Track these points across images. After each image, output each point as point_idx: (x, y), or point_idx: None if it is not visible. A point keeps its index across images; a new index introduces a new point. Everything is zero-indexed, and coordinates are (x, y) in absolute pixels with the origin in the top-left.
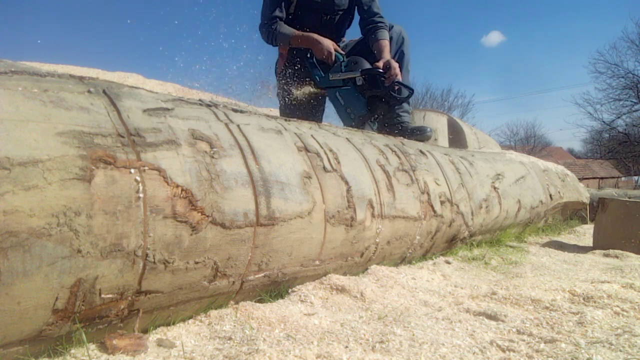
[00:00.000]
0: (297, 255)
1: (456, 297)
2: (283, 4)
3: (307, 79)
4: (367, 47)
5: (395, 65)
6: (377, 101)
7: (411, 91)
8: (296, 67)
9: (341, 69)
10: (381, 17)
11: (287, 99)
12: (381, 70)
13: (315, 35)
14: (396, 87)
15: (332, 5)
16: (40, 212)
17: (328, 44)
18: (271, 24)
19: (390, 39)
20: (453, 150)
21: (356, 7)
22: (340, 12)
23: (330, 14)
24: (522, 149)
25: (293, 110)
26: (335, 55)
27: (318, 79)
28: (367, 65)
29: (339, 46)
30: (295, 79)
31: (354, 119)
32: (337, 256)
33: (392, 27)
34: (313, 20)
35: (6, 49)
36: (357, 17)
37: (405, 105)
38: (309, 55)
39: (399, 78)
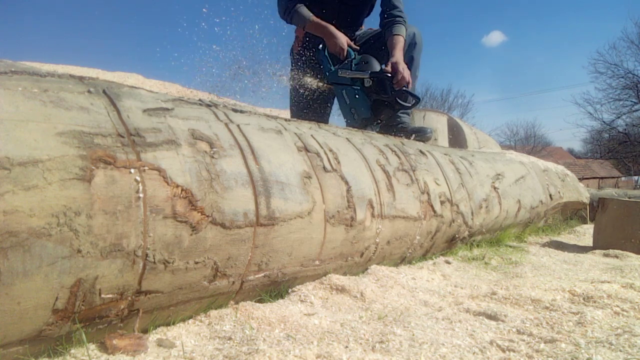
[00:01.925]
0: (297, 255)
1: (456, 297)
2: None
3: (319, 67)
4: (383, 41)
5: (405, 71)
6: (382, 105)
7: (417, 100)
8: (311, 52)
9: (351, 66)
10: (400, 11)
11: (298, 85)
12: (390, 75)
13: (331, 28)
14: (403, 95)
15: None
16: (40, 212)
17: (342, 39)
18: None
19: None
20: (453, 150)
21: None
22: (358, 2)
23: (349, 2)
24: (522, 149)
25: (303, 98)
26: (348, 51)
27: (327, 73)
28: (377, 67)
29: (355, 35)
30: (309, 64)
31: (357, 120)
32: (337, 256)
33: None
34: (332, 5)
35: (6, 49)
36: (378, 9)
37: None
38: (321, 47)
39: (409, 85)
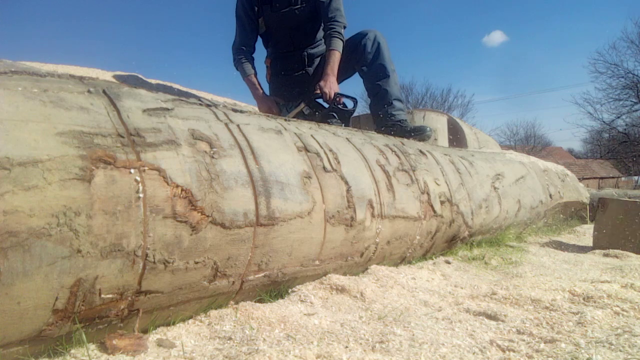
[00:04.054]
0: (297, 255)
1: (456, 297)
2: (251, 28)
3: (292, 90)
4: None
5: (331, 85)
6: (328, 119)
7: (354, 100)
8: (278, 82)
9: (287, 111)
10: (336, 20)
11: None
12: (319, 92)
13: (259, 92)
14: (339, 100)
15: (294, 19)
16: (40, 212)
17: (265, 102)
18: (237, 52)
19: (364, 46)
20: (453, 150)
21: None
22: (305, 23)
23: (295, 27)
24: (522, 149)
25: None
26: (279, 105)
27: None
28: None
29: (310, 53)
30: (281, 90)
31: None
32: (337, 256)
33: (367, 34)
34: (282, 34)
35: (6, 49)
36: None
37: (398, 104)
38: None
39: (336, 90)
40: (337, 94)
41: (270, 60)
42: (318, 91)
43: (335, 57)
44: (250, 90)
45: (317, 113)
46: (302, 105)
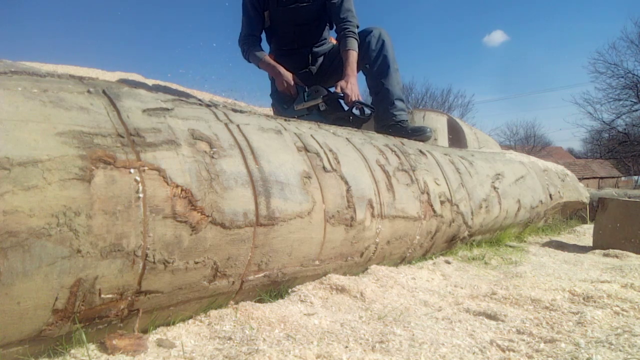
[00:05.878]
0: (297, 255)
1: (456, 297)
2: (258, 19)
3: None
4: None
5: (353, 88)
6: (341, 122)
7: (372, 109)
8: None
9: (304, 98)
10: (348, 20)
11: (281, 110)
12: (341, 94)
13: (279, 68)
14: (359, 107)
15: (300, 15)
16: (40, 212)
17: (288, 77)
18: (245, 42)
19: (368, 44)
20: (453, 150)
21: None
22: (311, 21)
23: (301, 24)
24: (522, 149)
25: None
26: (297, 87)
27: (282, 110)
28: (326, 92)
29: (315, 52)
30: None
31: None
32: (337, 256)
33: (371, 31)
34: (287, 30)
35: (6, 49)
36: None
37: (400, 104)
38: (273, 89)
39: (359, 98)
40: (358, 101)
41: (273, 57)
42: (339, 90)
43: (353, 57)
44: (269, 71)
45: (326, 110)
46: (321, 100)
